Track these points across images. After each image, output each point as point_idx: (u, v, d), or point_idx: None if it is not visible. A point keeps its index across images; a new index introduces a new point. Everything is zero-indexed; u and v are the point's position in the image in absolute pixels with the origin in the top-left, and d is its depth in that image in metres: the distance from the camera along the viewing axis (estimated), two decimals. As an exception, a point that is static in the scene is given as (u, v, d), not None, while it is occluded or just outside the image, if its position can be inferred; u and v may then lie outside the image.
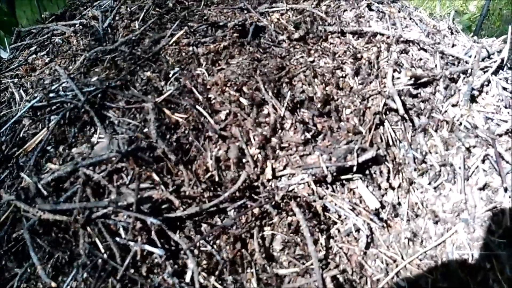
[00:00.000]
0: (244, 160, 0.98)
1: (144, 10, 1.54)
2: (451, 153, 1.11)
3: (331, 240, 0.92)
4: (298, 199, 0.93)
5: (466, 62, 1.34)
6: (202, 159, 0.98)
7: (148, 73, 1.17)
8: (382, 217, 0.97)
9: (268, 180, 0.97)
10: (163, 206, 0.90)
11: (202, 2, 1.62)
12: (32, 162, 1.00)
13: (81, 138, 1.05)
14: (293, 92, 1.12)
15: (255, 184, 0.95)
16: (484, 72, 1.33)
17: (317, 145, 1.02)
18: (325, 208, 0.95)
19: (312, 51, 1.29)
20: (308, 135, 1.02)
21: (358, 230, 0.94)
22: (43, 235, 0.88)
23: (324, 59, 1.27)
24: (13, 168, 1.03)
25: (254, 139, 1.00)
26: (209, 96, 1.09)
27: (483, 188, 1.05)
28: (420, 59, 1.34)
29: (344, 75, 1.22)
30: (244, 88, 1.10)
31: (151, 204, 0.88)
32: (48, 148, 1.04)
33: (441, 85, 1.24)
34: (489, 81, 1.30)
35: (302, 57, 1.27)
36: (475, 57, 1.33)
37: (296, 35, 1.34)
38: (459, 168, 1.07)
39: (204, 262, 0.84)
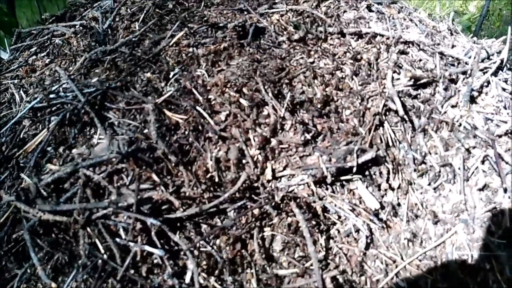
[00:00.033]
0: (244, 161, 0.98)
1: (144, 11, 1.54)
2: (451, 154, 1.11)
3: (331, 241, 0.93)
4: (298, 200, 0.93)
5: (466, 63, 1.34)
6: (202, 160, 0.98)
7: (148, 74, 1.17)
8: (382, 217, 0.97)
9: (268, 181, 0.97)
10: (163, 207, 0.90)
11: (202, 3, 1.62)
12: (32, 163, 1.00)
13: (81, 139, 1.06)
14: (293, 93, 1.12)
15: (255, 185, 0.96)
16: (484, 73, 1.33)
17: (317, 146, 1.02)
18: (325, 209, 0.95)
19: (312, 52, 1.30)
20: (308, 136, 1.02)
21: (357, 230, 0.94)
22: (43, 236, 0.88)
23: (324, 60, 1.27)
24: (13, 169, 1.03)
25: (254, 140, 1.00)
26: (209, 97, 1.09)
27: (482, 189, 1.05)
28: (420, 60, 1.34)
29: (344, 76, 1.22)
30: (244, 89, 1.10)
31: (151, 205, 0.88)
32: (48, 149, 1.04)
33: (441, 86, 1.24)
34: (488, 82, 1.30)
35: (302, 58, 1.27)
36: (474, 58, 1.33)
37: (296, 36, 1.34)
38: (459, 168, 1.07)
39: (204, 262, 0.85)
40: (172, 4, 1.61)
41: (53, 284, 0.79)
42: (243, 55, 1.25)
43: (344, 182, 1.00)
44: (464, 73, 1.30)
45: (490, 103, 1.24)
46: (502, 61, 1.37)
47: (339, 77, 1.21)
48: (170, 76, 1.18)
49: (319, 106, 1.10)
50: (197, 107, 1.06)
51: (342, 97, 1.15)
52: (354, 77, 1.22)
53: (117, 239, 0.85)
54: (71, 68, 1.30)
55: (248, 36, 1.33)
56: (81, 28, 1.51)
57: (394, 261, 0.92)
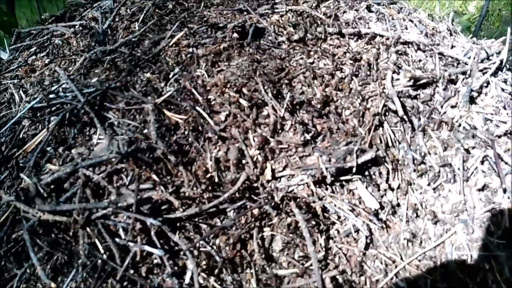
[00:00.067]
0: (243, 161, 0.98)
1: (144, 12, 1.54)
2: (450, 154, 1.11)
3: (331, 241, 0.93)
4: (297, 200, 0.93)
5: (465, 64, 1.34)
6: (202, 160, 0.98)
7: (148, 74, 1.17)
8: (382, 218, 0.97)
9: (268, 181, 0.97)
10: (163, 207, 0.90)
11: (202, 4, 1.63)
12: (32, 163, 1.00)
13: (81, 139, 1.06)
14: (292, 93, 1.13)
15: (255, 185, 0.96)
16: (483, 74, 1.33)
17: (316, 146, 1.02)
18: (324, 209, 0.95)
19: (311, 53, 1.30)
20: (308, 136, 1.02)
21: (357, 230, 0.94)
22: (43, 236, 0.88)
23: (323, 61, 1.28)
24: (13, 169, 1.03)
25: (254, 140, 1.00)
26: (209, 97, 1.09)
27: (482, 189, 1.05)
28: (419, 61, 1.35)
29: (343, 76, 1.22)
30: (244, 89, 1.10)
31: (151, 205, 0.88)
32: (48, 149, 1.04)
33: (440, 86, 1.25)
34: (488, 83, 1.30)
35: (301, 58, 1.27)
36: (474, 58, 1.33)
37: (295, 37, 1.34)
38: (458, 169, 1.08)
39: (204, 262, 0.85)
40: (172, 4, 1.61)
41: (53, 284, 0.79)
42: (243, 55, 1.25)
43: (343, 182, 1.00)
44: (463, 73, 1.31)
45: (490, 104, 1.24)
46: (501, 61, 1.37)
47: (339, 77, 1.21)
48: (170, 76, 1.18)
49: (318, 106, 1.10)
50: (197, 107, 1.06)
51: (342, 98, 1.15)
52: (353, 77, 1.22)
53: (117, 239, 0.85)
54: (70, 68, 1.30)
55: (248, 37, 1.33)
56: (80, 28, 1.51)
57: (394, 261, 0.92)
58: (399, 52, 1.35)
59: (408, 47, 1.39)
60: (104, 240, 0.85)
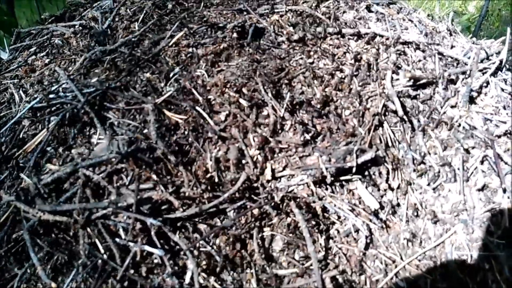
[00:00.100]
0: (243, 161, 0.98)
1: (144, 12, 1.54)
2: (450, 154, 1.11)
3: (331, 241, 0.93)
4: (297, 200, 0.93)
5: (465, 64, 1.34)
6: (202, 160, 0.98)
7: (148, 74, 1.17)
8: (381, 217, 0.97)
9: (268, 181, 0.97)
10: (163, 207, 0.90)
11: (202, 4, 1.63)
12: (32, 163, 1.00)
13: (81, 139, 1.06)
14: (292, 93, 1.13)
15: (255, 185, 0.96)
16: (483, 74, 1.33)
17: (316, 146, 1.02)
18: (324, 209, 0.95)
19: (311, 53, 1.30)
20: (308, 136, 1.02)
21: (357, 230, 0.94)
22: (43, 236, 0.88)
23: (323, 61, 1.28)
24: (13, 169, 1.03)
25: (254, 140, 1.00)
26: (209, 97, 1.10)
27: (482, 189, 1.05)
28: (419, 61, 1.35)
29: (343, 76, 1.22)
30: (244, 89, 1.10)
31: (151, 205, 0.88)
32: (48, 149, 1.04)
33: (440, 86, 1.25)
34: (488, 83, 1.30)
35: (301, 58, 1.27)
36: (474, 58, 1.33)
37: (295, 37, 1.34)
38: (458, 169, 1.08)
39: (204, 262, 0.85)
40: (172, 4, 1.61)
41: (53, 284, 0.79)
42: (242, 55, 1.26)
43: (343, 182, 1.00)
44: (463, 73, 1.31)
45: (489, 104, 1.24)
46: (501, 61, 1.38)
47: (339, 77, 1.21)
48: (170, 76, 1.18)
49: (318, 106, 1.10)
50: (197, 107, 1.06)
51: (342, 98, 1.15)
52: (353, 77, 1.22)
53: (117, 239, 0.85)
54: (70, 68, 1.30)
55: (247, 37, 1.34)
56: (80, 28, 1.51)
57: (394, 261, 0.92)
58: (399, 52, 1.35)
59: (408, 47, 1.39)
60: (104, 240, 0.85)
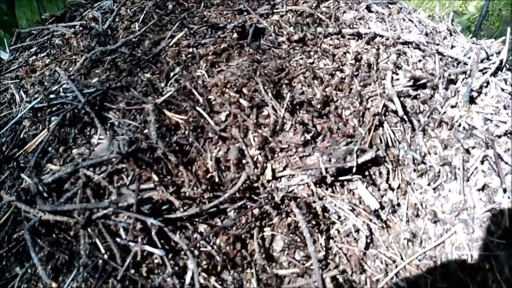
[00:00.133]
0: (244, 161, 0.98)
1: (144, 12, 1.55)
2: (450, 154, 1.11)
3: (331, 241, 0.93)
4: (298, 200, 0.94)
5: (465, 64, 1.34)
6: (202, 160, 0.98)
7: (148, 75, 1.17)
8: (382, 217, 0.98)
9: (268, 181, 0.97)
10: (163, 207, 0.90)
11: (202, 4, 1.63)
12: (33, 163, 1.00)
13: (81, 139, 1.06)
14: (292, 93, 1.13)
15: (255, 185, 0.96)
16: (483, 74, 1.33)
17: (316, 146, 1.03)
18: (324, 209, 0.95)
19: (311, 53, 1.30)
20: (308, 136, 1.02)
21: (357, 230, 0.94)
22: (44, 236, 0.88)
23: (323, 61, 1.28)
24: (14, 169, 1.03)
25: (254, 140, 1.00)
26: (209, 97, 1.10)
27: (482, 189, 1.05)
28: (419, 61, 1.35)
29: (343, 76, 1.22)
30: (244, 90, 1.10)
31: (151, 205, 0.88)
32: (49, 149, 1.04)
33: (440, 86, 1.25)
34: (488, 83, 1.30)
35: (301, 58, 1.28)
36: (474, 58, 1.33)
37: (295, 37, 1.35)
38: (459, 169, 1.08)
39: (204, 262, 0.85)
40: (172, 4, 1.61)
41: (54, 284, 0.79)
42: (243, 55, 1.26)
43: (344, 182, 1.00)
44: (463, 73, 1.31)
45: (490, 104, 1.24)
46: (501, 61, 1.38)
47: (339, 77, 1.21)
48: (170, 76, 1.18)
49: (318, 106, 1.10)
50: (197, 108, 1.06)
51: (342, 98, 1.16)
52: (353, 77, 1.22)
53: (118, 239, 0.85)
54: (71, 69, 1.30)
55: (248, 37, 1.34)
56: (81, 28, 1.52)
57: (394, 261, 0.92)
58: (399, 52, 1.35)
59: (408, 47, 1.39)
60: (105, 240, 0.85)
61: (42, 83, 1.28)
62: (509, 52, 1.42)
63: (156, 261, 0.84)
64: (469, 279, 0.92)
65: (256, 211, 0.91)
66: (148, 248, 0.83)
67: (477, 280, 0.92)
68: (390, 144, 1.09)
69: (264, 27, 1.41)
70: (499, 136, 1.14)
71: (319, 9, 1.55)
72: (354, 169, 0.97)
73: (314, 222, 0.92)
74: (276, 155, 1.01)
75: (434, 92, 1.24)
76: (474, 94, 1.24)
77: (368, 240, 0.93)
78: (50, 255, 0.86)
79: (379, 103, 1.15)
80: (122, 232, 0.87)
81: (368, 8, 1.60)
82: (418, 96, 1.22)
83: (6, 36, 2.09)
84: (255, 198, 0.93)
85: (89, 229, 0.86)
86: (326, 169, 0.96)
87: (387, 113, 1.16)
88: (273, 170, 0.98)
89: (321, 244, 0.90)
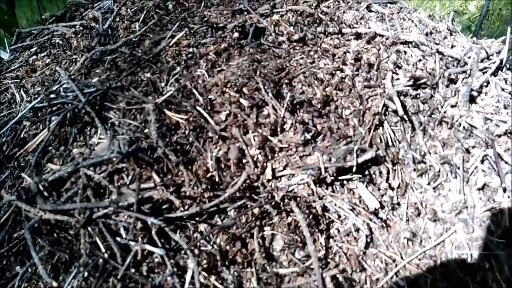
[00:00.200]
0: (244, 161, 0.98)
1: (145, 12, 1.55)
2: (451, 154, 1.11)
3: (331, 240, 0.93)
4: (298, 199, 0.94)
5: (465, 63, 1.34)
6: (203, 160, 0.98)
7: (149, 74, 1.17)
8: (382, 217, 0.98)
9: (268, 181, 0.97)
10: (164, 206, 0.90)
11: (202, 4, 1.63)
12: (33, 163, 1.00)
13: (82, 138, 1.06)
14: (293, 93, 1.13)
15: (255, 184, 0.96)
16: (483, 73, 1.33)
17: (316, 145, 1.03)
18: (324, 208, 0.95)
19: (311, 52, 1.30)
20: (308, 136, 1.02)
21: (357, 230, 0.94)
22: (44, 235, 0.88)
23: (323, 60, 1.28)
24: (14, 169, 1.03)
25: (254, 140, 1.01)
26: (210, 97, 1.10)
27: (482, 188, 1.05)
28: (419, 60, 1.35)
29: (343, 76, 1.22)
30: (244, 89, 1.10)
31: (152, 204, 0.89)
32: (49, 148, 1.04)
33: (440, 86, 1.25)
34: (488, 82, 1.30)
35: (301, 58, 1.28)
36: (474, 58, 1.33)
37: (295, 37, 1.35)
38: (458, 168, 1.08)
39: (205, 261, 0.85)
40: (172, 4, 1.61)
41: (54, 283, 0.79)
42: (243, 55, 1.26)
43: (344, 182, 1.00)
44: (463, 73, 1.31)
45: (490, 103, 1.24)
46: (501, 61, 1.37)
47: (339, 77, 1.21)
48: (171, 76, 1.18)
49: (319, 106, 1.10)
50: (198, 107, 1.06)
51: (342, 97, 1.16)
52: (354, 77, 1.22)
53: (118, 238, 0.85)
54: (71, 68, 1.30)
55: (248, 37, 1.34)
56: (81, 28, 1.52)
57: (394, 260, 0.92)
58: (399, 51, 1.35)
59: (408, 47, 1.39)
60: (105, 239, 0.85)
61: (42, 83, 1.28)
62: (509, 52, 1.42)
63: (156, 260, 0.84)
64: (469, 278, 0.92)
65: (256, 211, 0.91)
66: (148, 247, 0.83)
67: (477, 280, 0.92)
68: (390, 143, 1.09)
69: (264, 26, 1.41)
70: (499, 136, 1.14)
71: (319, 8, 1.55)
72: (354, 169, 0.97)
73: (314, 222, 0.92)
74: (276, 155, 1.01)
75: (434, 92, 1.24)
76: (474, 93, 1.24)
77: (368, 239, 0.93)
78: (50, 254, 0.86)
79: (379, 102, 1.15)
80: (122, 231, 0.87)
81: (368, 8, 1.60)
82: (418, 96, 1.22)
83: (6, 36, 2.09)
84: (255, 197, 0.93)
85: (89, 229, 0.86)
86: (326, 168, 0.96)
87: (387, 113, 1.16)
88: (273, 170, 0.98)
89: (321, 243, 0.90)
